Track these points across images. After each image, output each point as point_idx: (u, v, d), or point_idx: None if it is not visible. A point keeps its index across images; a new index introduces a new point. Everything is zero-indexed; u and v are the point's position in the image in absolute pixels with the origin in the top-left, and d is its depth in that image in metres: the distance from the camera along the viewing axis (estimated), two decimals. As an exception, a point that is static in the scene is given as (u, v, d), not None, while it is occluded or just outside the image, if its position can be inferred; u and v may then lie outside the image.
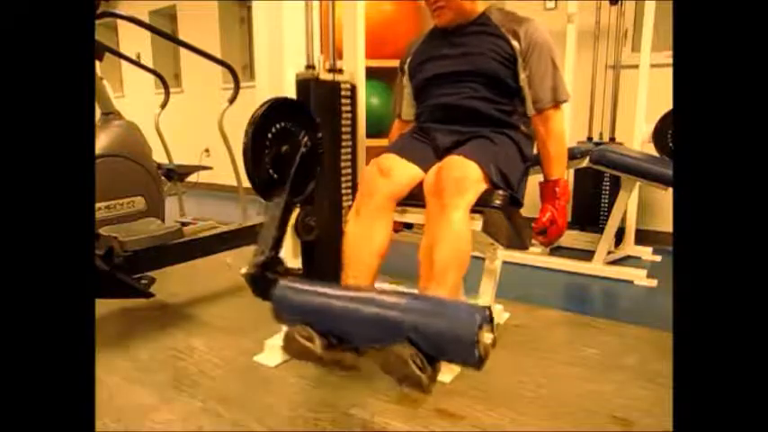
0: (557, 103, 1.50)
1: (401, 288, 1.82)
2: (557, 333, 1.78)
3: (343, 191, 1.60)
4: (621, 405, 1.29)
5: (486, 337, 1.01)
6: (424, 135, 1.57)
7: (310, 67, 1.47)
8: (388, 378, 1.41)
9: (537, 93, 1.49)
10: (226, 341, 1.67)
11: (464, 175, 1.33)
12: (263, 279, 1.27)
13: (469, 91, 1.51)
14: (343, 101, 1.56)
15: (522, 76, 1.49)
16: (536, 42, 1.47)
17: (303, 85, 1.47)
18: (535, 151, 1.61)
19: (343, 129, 1.58)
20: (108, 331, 1.78)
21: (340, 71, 1.58)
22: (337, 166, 1.57)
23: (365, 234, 1.41)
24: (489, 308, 1.06)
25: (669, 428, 0.63)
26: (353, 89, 1.61)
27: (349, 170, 1.62)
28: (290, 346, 1.19)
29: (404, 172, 1.45)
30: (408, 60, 1.67)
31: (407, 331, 1.06)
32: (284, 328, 1.59)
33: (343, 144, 1.58)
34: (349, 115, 1.59)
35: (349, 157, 1.61)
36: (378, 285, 1.46)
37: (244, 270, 1.28)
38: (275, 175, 1.36)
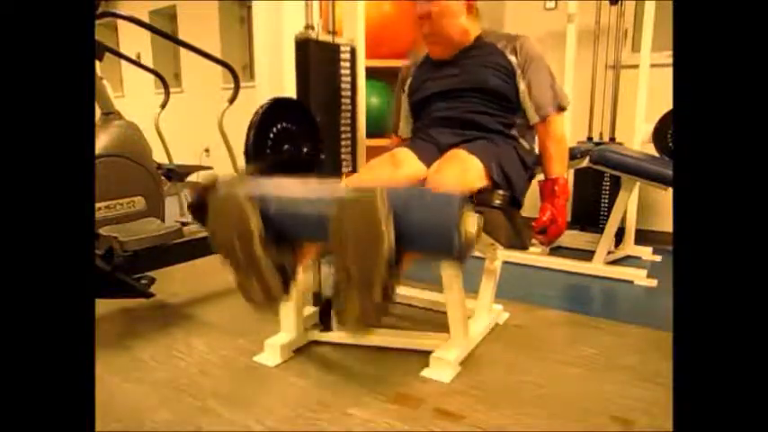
0: (559, 109, 1.54)
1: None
2: (557, 333, 1.78)
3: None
4: (621, 405, 1.29)
5: (470, 223, 0.89)
6: (428, 137, 1.58)
7: (309, 27, 1.42)
8: (388, 378, 1.42)
9: (538, 100, 1.53)
10: (226, 341, 1.67)
11: (466, 166, 1.35)
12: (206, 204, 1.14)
13: (470, 105, 1.54)
14: (343, 63, 1.53)
15: (522, 86, 1.53)
16: (532, 56, 1.53)
17: (302, 45, 1.41)
18: (537, 151, 1.62)
19: (343, 92, 1.52)
20: (108, 331, 1.77)
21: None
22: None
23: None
24: (471, 195, 0.94)
25: (669, 428, 0.63)
26: (353, 51, 1.58)
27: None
28: (221, 209, 1.02)
29: (412, 166, 1.47)
30: (410, 80, 1.70)
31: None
32: (285, 328, 1.60)
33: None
34: (348, 79, 1.56)
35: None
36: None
37: (189, 199, 1.18)
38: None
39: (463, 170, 1.35)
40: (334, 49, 1.50)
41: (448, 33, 1.54)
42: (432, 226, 0.87)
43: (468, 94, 1.54)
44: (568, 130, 2.77)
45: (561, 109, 1.56)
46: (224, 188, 1.06)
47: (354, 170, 1.65)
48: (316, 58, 1.42)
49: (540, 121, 1.54)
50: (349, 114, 1.58)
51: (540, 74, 1.53)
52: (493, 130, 1.53)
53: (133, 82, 6.11)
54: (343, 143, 1.59)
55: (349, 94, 1.56)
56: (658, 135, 2.55)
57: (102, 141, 1.88)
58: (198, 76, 5.35)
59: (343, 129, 1.58)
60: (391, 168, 1.43)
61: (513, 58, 1.53)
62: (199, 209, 1.14)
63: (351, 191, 0.94)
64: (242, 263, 1.06)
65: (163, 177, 2.42)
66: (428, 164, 1.47)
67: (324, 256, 1.10)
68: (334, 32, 1.51)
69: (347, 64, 1.54)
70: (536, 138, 1.61)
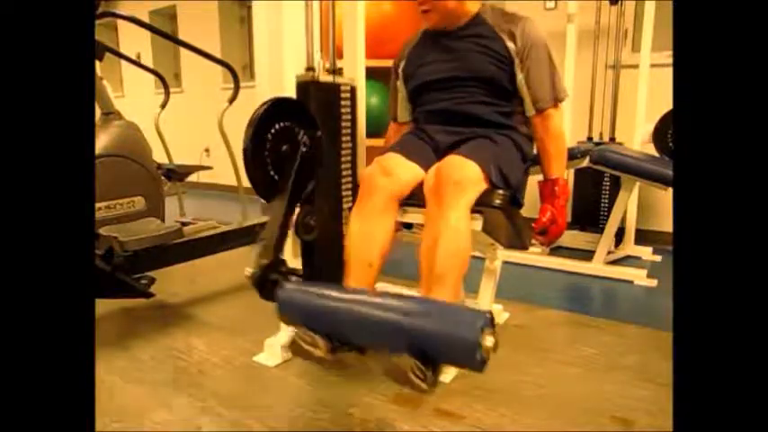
0: (556, 102, 1.51)
1: (403, 290, 1.82)
2: (557, 333, 1.78)
3: (344, 191, 1.60)
4: (621, 405, 1.29)
5: (488, 340, 1.02)
6: (424, 135, 1.56)
7: (310, 69, 1.47)
8: (388, 378, 1.42)
9: (536, 93, 1.48)
10: (226, 341, 1.67)
11: (463, 176, 1.33)
12: (267, 280, 1.28)
13: (467, 96, 1.50)
14: (343, 102, 1.56)
15: (520, 76, 1.48)
16: (533, 42, 1.46)
17: (303, 87, 1.46)
18: (535, 151, 1.61)
19: (344, 131, 1.57)
20: (108, 331, 1.78)
21: (340, 71, 1.58)
22: (337, 166, 1.57)
23: (367, 233, 1.41)
24: (491, 312, 1.07)
25: (669, 428, 0.63)
26: (353, 91, 1.60)
27: (349, 170, 1.62)
28: (295, 350, 1.20)
29: (405, 171, 1.45)
30: (402, 64, 1.65)
31: (409, 336, 1.07)
32: (285, 328, 1.60)
33: (343, 146, 1.58)
34: (349, 117, 1.59)
35: (349, 158, 1.61)
36: (380, 287, 1.46)
37: (248, 271, 1.28)
38: (275, 176, 1.36)
39: (461, 178, 1.33)
40: (334, 90, 1.54)
41: (443, 1, 1.47)
42: (453, 345, 1.02)
43: (465, 83, 1.50)
44: (568, 130, 2.77)
45: (559, 101, 1.52)
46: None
47: (355, 175, 1.64)
48: (317, 99, 1.47)
49: (536, 113, 1.50)
50: (349, 154, 1.61)
51: (539, 63, 1.47)
52: (490, 122, 1.50)
53: (133, 82, 6.11)
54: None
55: (349, 132, 1.60)
56: (658, 135, 2.55)
57: (102, 141, 1.88)
58: (198, 76, 5.35)
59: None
60: (383, 179, 1.42)
61: (511, 45, 1.46)
62: (262, 292, 1.27)
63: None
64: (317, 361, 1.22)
65: (163, 177, 2.42)
66: (426, 166, 1.45)
67: None
68: (334, 72, 1.55)
69: (348, 102, 1.58)
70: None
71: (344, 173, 1.60)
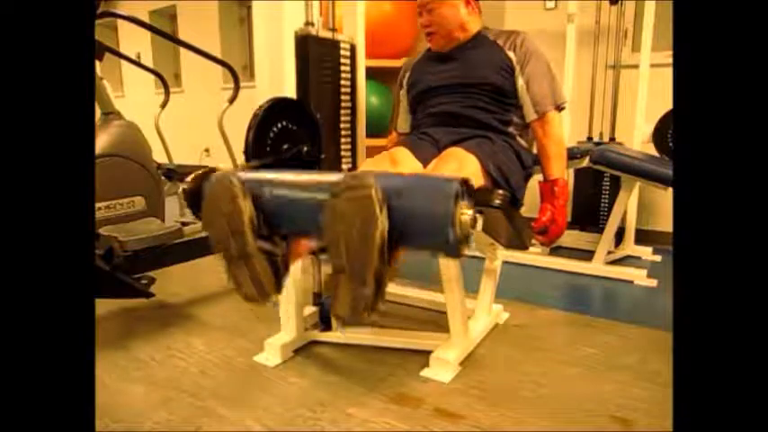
0: (556, 107, 1.54)
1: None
2: (557, 333, 1.78)
3: (342, 152, 1.59)
4: (621, 405, 1.29)
5: (465, 213, 0.84)
6: (425, 135, 1.58)
7: (309, 23, 1.43)
8: (388, 378, 1.42)
9: (536, 96, 1.53)
10: (226, 341, 1.67)
11: (462, 165, 1.35)
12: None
13: (468, 101, 1.54)
14: (343, 60, 1.54)
15: (520, 82, 1.54)
16: (531, 51, 1.54)
17: (301, 41, 1.39)
18: (534, 151, 1.62)
19: (343, 89, 1.53)
20: (108, 331, 1.77)
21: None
22: (337, 130, 1.55)
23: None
24: (467, 180, 0.90)
25: (669, 428, 0.63)
26: (353, 48, 1.59)
27: (348, 134, 1.61)
28: (213, 196, 1.02)
29: (409, 166, 1.47)
30: (407, 75, 1.71)
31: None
32: (285, 328, 1.60)
33: (342, 105, 1.55)
34: (348, 75, 1.56)
35: (348, 123, 1.60)
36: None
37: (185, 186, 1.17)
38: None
39: (459, 168, 1.35)
40: (334, 46, 1.50)
41: (446, 24, 1.56)
42: (425, 213, 0.84)
43: (467, 90, 1.54)
44: (568, 130, 2.78)
45: (559, 108, 1.56)
46: (218, 175, 1.06)
47: (354, 168, 1.65)
48: (315, 55, 1.42)
49: (536, 118, 1.54)
50: (349, 113, 1.58)
51: (538, 70, 1.53)
52: (490, 127, 1.53)
53: (133, 82, 6.11)
54: (342, 143, 1.59)
55: (349, 91, 1.57)
56: (658, 135, 2.55)
57: (102, 141, 1.88)
58: (198, 76, 5.35)
59: (343, 128, 1.58)
60: (389, 167, 1.44)
61: (511, 55, 1.54)
62: (193, 195, 1.13)
63: (345, 177, 0.93)
64: (234, 256, 1.06)
65: (163, 177, 2.42)
66: (425, 162, 1.46)
67: (319, 252, 1.11)
68: (334, 29, 1.52)
69: (347, 60, 1.54)
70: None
71: (344, 134, 1.57)
